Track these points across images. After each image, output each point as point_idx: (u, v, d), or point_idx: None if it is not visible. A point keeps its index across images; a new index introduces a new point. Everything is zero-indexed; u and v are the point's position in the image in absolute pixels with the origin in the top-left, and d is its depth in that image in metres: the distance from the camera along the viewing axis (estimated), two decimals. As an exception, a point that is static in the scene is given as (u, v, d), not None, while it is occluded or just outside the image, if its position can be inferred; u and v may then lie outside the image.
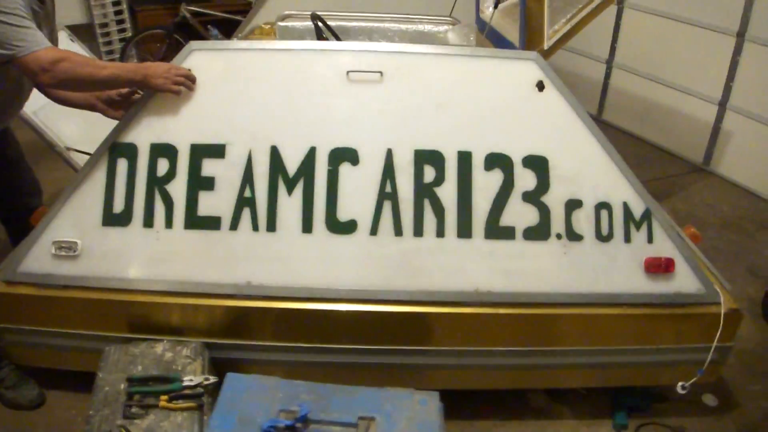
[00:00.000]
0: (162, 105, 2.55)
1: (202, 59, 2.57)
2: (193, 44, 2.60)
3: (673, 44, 5.48)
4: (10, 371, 2.87)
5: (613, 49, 6.07)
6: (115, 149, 2.55)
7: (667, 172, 5.45)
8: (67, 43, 3.83)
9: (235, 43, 2.69)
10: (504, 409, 2.91)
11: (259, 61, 2.60)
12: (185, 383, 2.32)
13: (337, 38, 3.44)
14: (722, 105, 5.22)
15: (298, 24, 3.60)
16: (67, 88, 2.64)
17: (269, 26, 3.80)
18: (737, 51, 5.00)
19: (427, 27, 3.69)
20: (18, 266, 2.58)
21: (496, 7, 3.12)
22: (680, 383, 2.66)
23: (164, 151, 2.54)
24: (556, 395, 3.01)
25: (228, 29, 6.60)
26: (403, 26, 3.66)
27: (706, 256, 2.85)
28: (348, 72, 2.56)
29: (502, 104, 2.60)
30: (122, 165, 2.56)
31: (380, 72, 2.57)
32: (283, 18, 3.70)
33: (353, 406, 1.99)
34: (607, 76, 6.19)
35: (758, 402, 3.08)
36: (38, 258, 2.57)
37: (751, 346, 3.44)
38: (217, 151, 2.53)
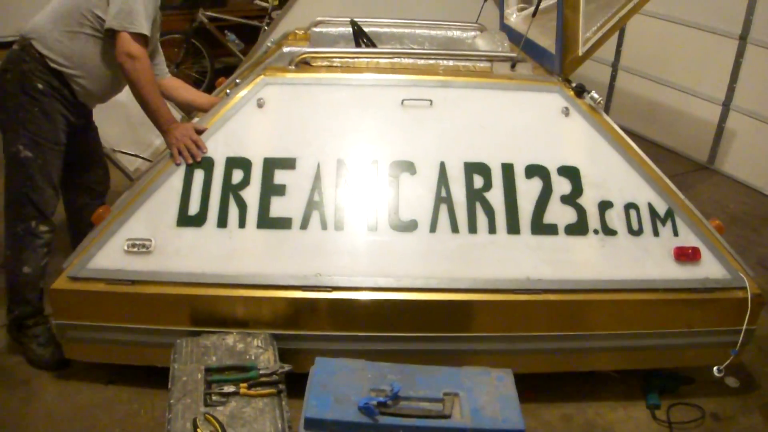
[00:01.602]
0: (236, 126, 2.94)
1: (272, 91, 2.99)
2: (266, 78, 2.98)
3: (677, 47, 5.82)
4: (45, 330, 3.16)
5: (618, 52, 6.40)
6: (192, 162, 2.89)
7: (673, 170, 5.74)
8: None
9: (301, 77, 3.02)
10: (544, 392, 3.18)
11: (323, 92, 3.01)
12: (262, 371, 2.54)
13: (373, 44, 3.73)
14: (726, 105, 5.56)
15: (332, 30, 3.89)
16: (127, 83, 3.04)
17: (303, 32, 4.08)
18: (740, 53, 5.35)
19: (456, 33, 3.99)
20: (87, 263, 2.81)
21: (534, 15, 3.40)
22: (716, 367, 2.91)
23: (239, 163, 2.89)
24: (591, 379, 3.28)
25: (244, 34, 6.86)
26: (433, 32, 3.96)
27: None
28: (403, 100, 2.99)
29: (536, 125, 3.04)
30: (199, 175, 2.88)
31: (430, 100, 3.00)
32: (317, 24, 3.99)
33: (437, 384, 2.26)
34: (613, 78, 6.52)
35: (776, 384, 3.33)
36: (109, 255, 2.81)
37: (766, 332, 3.72)
38: (289, 163, 2.89)
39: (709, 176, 5.72)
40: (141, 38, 2.94)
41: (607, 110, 6.63)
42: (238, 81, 3.40)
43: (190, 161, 2.90)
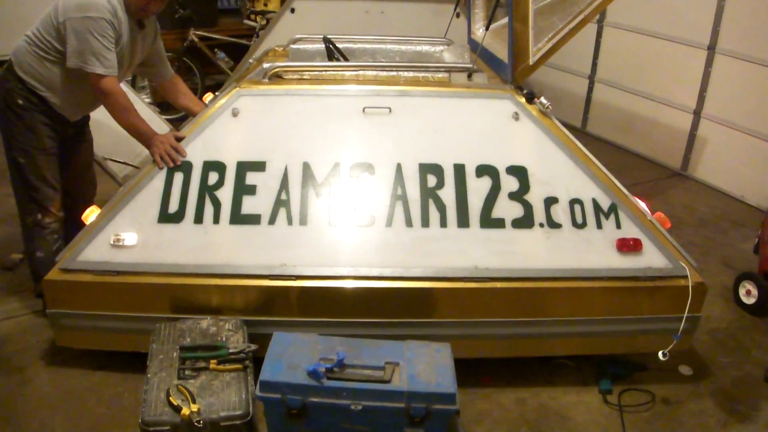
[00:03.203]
0: (213, 133, 3.29)
1: (246, 101, 3.35)
2: (241, 90, 3.35)
3: (650, 59, 6.17)
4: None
5: (594, 65, 6.75)
6: (173, 166, 3.26)
7: (647, 177, 6.11)
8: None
9: (273, 89, 3.40)
10: (502, 378, 3.47)
11: (292, 102, 3.36)
12: (231, 350, 2.89)
13: (345, 59, 4.11)
14: (697, 114, 5.90)
15: (309, 46, 4.26)
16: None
17: (282, 48, 4.47)
18: (708, 63, 5.69)
19: (425, 48, 4.36)
20: (77, 256, 3.16)
21: (487, 28, 3.76)
22: (661, 351, 3.19)
23: (215, 166, 3.25)
24: (548, 367, 3.57)
25: (233, 52, 7.28)
26: (403, 47, 4.34)
27: (686, 251, 3.40)
28: (364, 108, 3.35)
29: (488, 129, 3.39)
30: (178, 177, 3.24)
31: (389, 108, 3.36)
32: (295, 41, 4.38)
33: (380, 355, 2.59)
34: (590, 90, 6.87)
35: (729, 372, 3.64)
36: (97, 249, 3.17)
37: (723, 325, 4.06)
38: (259, 166, 3.24)
39: (682, 182, 6.05)
40: (107, 78, 3.30)
41: (584, 121, 7.01)
42: (217, 94, 3.73)
43: (171, 165, 3.27)
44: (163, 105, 6.49)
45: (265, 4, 7.58)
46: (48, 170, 3.59)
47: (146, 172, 3.28)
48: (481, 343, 3.28)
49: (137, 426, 2.57)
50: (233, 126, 3.34)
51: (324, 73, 3.71)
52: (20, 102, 3.47)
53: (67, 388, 3.35)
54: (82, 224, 3.39)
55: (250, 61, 4.54)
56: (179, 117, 6.41)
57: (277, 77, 3.56)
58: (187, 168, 3.27)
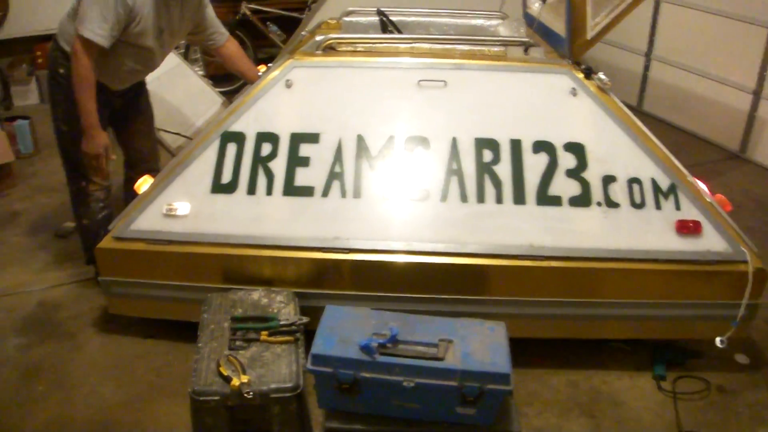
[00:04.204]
0: (266, 104, 3.27)
1: (300, 73, 3.31)
2: (294, 62, 3.31)
3: (708, 36, 5.99)
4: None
5: (651, 42, 6.59)
6: (226, 136, 3.24)
7: (704, 158, 5.95)
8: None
9: (326, 60, 3.35)
10: (554, 359, 3.43)
11: (346, 74, 3.32)
12: (282, 322, 2.88)
13: (399, 31, 4.06)
14: (756, 94, 5.71)
15: (362, 19, 4.23)
16: None
17: (335, 21, 4.42)
18: (770, 41, 5.48)
19: (479, 21, 4.29)
20: (130, 225, 3.19)
21: (544, 1, 3.69)
22: (718, 338, 3.12)
23: (268, 138, 3.23)
24: (601, 350, 3.51)
25: (286, 25, 7.23)
26: (458, 20, 4.28)
27: (746, 234, 3.31)
28: (419, 81, 3.29)
29: (545, 104, 3.31)
30: (231, 148, 3.23)
31: (444, 81, 3.30)
32: (348, 14, 4.33)
33: (433, 331, 2.55)
34: (647, 68, 6.71)
35: (787, 362, 3.51)
36: (150, 218, 3.19)
37: (781, 312, 3.92)
38: (313, 138, 3.22)
39: (740, 165, 5.88)
40: (89, 42, 3.25)
41: (640, 99, 6.86)
42: (270, 66, 3.71)
43: (93, 168, 3.46)
44: (216, 78, 6.50)
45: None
46: None
47: (199, 142, 3.28)
48: (533, 322, 3.23)
49: (186, 395, 2.58)
50: (287, 97, 3.31)
51: (378, 45, 3.66)
52: (62, 71, 3.49)
53: (117, 355, 3.40)
54: (135, 194, 3.42)
55: (303, 33, 4.48)
56: (234, 89, 6.42)
57: (330, 49, 3.52)
58: (240, 139, 3.25)
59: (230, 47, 3.89)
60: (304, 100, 3.32)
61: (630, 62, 6.76)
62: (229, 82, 6.55)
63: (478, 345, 2.50)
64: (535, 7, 4.33)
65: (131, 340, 3.49)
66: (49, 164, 5.54)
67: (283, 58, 3.47)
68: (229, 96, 5.21)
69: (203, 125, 4.75)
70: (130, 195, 3.62)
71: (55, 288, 3.94)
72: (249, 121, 3.27)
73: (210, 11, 3.79)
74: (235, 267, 3.14)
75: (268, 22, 7.18)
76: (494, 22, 4.26)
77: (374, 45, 3.65)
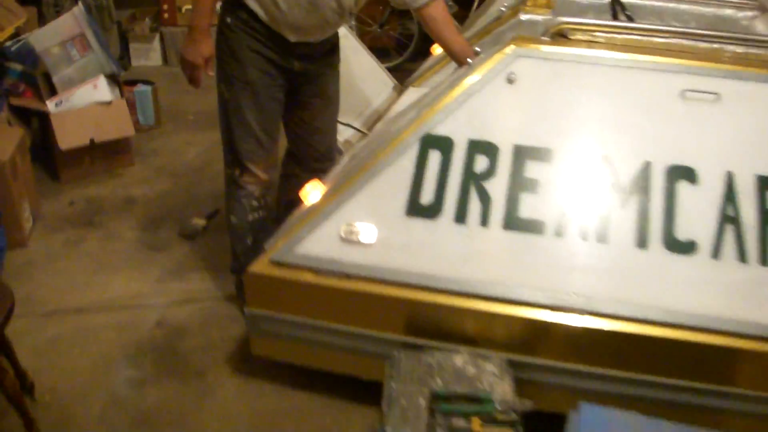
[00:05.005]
0: (482, 103, 2.56)
1: (525, 65, 2.57)
2: (518, 49, 2.56)
3: None
4: None
5: None
6: (428, 140, 2.53)
7: None
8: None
9: (560, 52, 2.60)
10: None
11: (586, 72, 2.57)
12: (498, 405, 2.15)
13: (630, 19, 3.32)
14: None
15: None
16: None
17: None
18: None
19: (728, 12, 3.50)
20: (295, 246, 2.52)
21: None
22: None
23: (484, 148, 2.51)
24: None
25: None
26: (703, 8, 3.50)
27: None
28: (684, 91, 2.49)
29: None
30: (434, 157, 2.52)
31: (716, 93, 2.49)
32: None
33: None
34: None
35: None
36: (323, 241, 2.51)
37: None
38: (543, 154, 2.49)
39: None
40: None
41: None
42: (479, 50, 2.98)
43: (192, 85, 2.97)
44: (382, 52, 5.81)
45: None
46: (252, 112, 2.99)
47: (391, 145, 2.56)
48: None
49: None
50: (509, 96, 2.56)
51: (623, 36, 2.83)
52: (228, 20, 2.93)
53: (258, 409, 2.71)
54: (297, 201, 2.77)
55: (501, 9, 3.77)
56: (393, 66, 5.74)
57: (560, 36, 2.75)
58: (446, 146, 2.52)
59: (437, 8, 3.10)
60: (532, 101, 2.57)
61: None
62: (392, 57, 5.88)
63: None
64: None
65: (277, 390, 2.78)
66: (173, 140, 4.97)
67: (500, 43, 2.70)
68: (398, 75, 4.49)
69: (371, 114, 4.09)
70: (290, 201, 3.03)
71: (179, 305, 3.29)
72: (459, 124, 2.54)
73: None
74: (432, 317, 2.42)
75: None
76: (748, 13, 3.44)
77: (615, 36, 2.83)
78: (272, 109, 3.03)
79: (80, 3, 5.27)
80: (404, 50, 6.62)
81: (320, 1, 2.87)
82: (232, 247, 3.20)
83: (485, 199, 2.46)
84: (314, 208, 2.57)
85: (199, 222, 3.88)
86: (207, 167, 4.65)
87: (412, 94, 3.92)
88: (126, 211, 4.15)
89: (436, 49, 3.97)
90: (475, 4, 6.10)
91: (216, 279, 3.42)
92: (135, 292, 3.39)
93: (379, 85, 4.26)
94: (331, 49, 3.16)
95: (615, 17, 3.26)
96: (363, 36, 6.12)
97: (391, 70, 4.77)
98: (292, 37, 2.94)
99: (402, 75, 4.50)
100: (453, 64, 3.29)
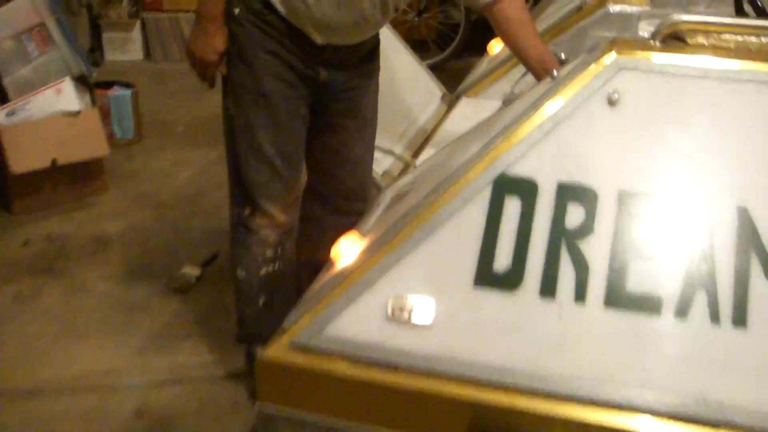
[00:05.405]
0: (574, 133, 2.46)
1: (631, 81, 2.46)
2: (621, 59, 2.45)
3: None
4: None
5: None
6: (502, 184, 2.44)
7: None
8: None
9: (679, 63, 2.48)
10: None
11: (717, 91, 2.45)
12: None
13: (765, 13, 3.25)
14: None
15: None
16: None
17: None
18: None
19: None
20: (325, 327, 2.42)
21: None
22: None
23: (578, 195, 2.41)
24: None
25: None
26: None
27: None
28: None
29: None
30: (512, 206, 2.42)
31: None
32: None
33: None
34: None
35: None
36: (361, 319, 2.42)
37: None
38: (658, 203, 2.39)
39: None
40: None
41: None
42: (564, 57, 2.88)
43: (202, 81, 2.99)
44: (421, 46, 5.82)
45: None
46: (267, 133, 2.99)
47: (452, 189, 2.45)
48: None
49: None
50: (609, 123, 2.45)
51: (762, 39, 2.68)
52: (236, 11, 2.91)
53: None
54: (323, 254, 2.72)
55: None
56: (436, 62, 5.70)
57: (676, 40, 2.64)
58: (529, 191, 2.40)
59: (512, 5, 3.00)
60: (642, 131, 2.45)
61: None
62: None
63: None
64: None
65: None
66: (157, 159, 5.01)
67: (596, 48, 2.60)
68: (449, 82, 4.44)
69: (417, 134, 3.99)
70: (314, 257, 2.96)
71: (165, 386, 3.23)
72: (545, 161, 2.44)
73: None
74: (508, 425, 2.31)
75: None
76: None
77: (755, 38, 2.70)
78: (293, 128, 3.02)
79: (39, -15, 5.23)
80: (447, 44, 6.63)
81: None
82: (238, 309, 3.19)
83: (581, 265, 2.35)
84: (350, 274, 2.48)
85: (192, 271, 3.86)
86: (202, 196, 4.61)
87: (466, 107, 3.89)
88: (97, 255, 4.12)
89: (495, 47, 3.97)
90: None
91: (214, 350, 3.37)
92: (107, 367, 3.34)
93: (424, 95, 4.23)
94: (369, 54, 3.10)
95: (740, 9, 3.11)
96: (396, 26, 6.19)
97: (431, 69, 4.74)
98: (319, 38, 2.91)
99: (445, 77, 4.47)
100: (520, 68, 3.22)
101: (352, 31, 2.92)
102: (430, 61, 6.00)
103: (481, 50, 4.32)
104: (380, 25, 3.00)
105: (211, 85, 3.03)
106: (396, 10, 2.99)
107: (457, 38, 6.42)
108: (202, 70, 2.99)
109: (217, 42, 2.90)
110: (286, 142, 3.02)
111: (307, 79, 2.99)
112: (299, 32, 2.89)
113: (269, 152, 2.98)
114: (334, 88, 3.08)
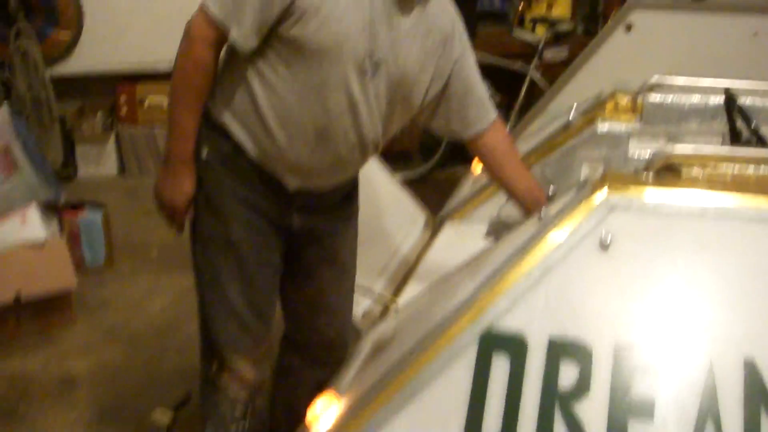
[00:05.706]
0: (564, 284, 2.37)
1: (625, 223, 2.39)
2: (613, 197, 2.38)
3: None
4: None
5: None
6: (489, 340, 2.33)
7: None
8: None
9: (672, 198, 2.42)
10: None
11: (717, 233, 2.38)
12: None
13: (759, 136, 3.13)
14: None
15: (683, 100, 3.59)
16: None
17: (628, 98, 3.71)
18: None
19: None
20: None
21: None
22: None
23: (571, 350, 2.29)
24: None
25: (500, 80, 6.51)
26: None
27: None
28: None
29: None
30: (500, 365, 2.31)
31: None
32: (652, 87, 3.69)
33: None
34: None
35: None
36: None
37: None
38: (659, 359, 2.27)
39: None
40: (205, 17, 2.64)
41: None
42: (552, 188, 2.85)
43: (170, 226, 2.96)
44: (402, 158, 5.79)
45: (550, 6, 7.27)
46: (235, 285, 2.88)
47: (435, 346, 2.34)
48: None
49: None
50: (602, 270, 2.35)
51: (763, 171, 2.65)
52: (203, 153, 2.85)
53: None
54: (299, 408, 2.61)
55: (570, 118, 3.73)
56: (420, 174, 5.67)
57: (670, 172, 2.61)
58: (517, 348, 2.29)
59: (497, 134, 3.01)
60: (636, 277, 2.34)
61: None
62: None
63: None
64: None
65: None
66: (129, 287, 4.90)
67: (587, 185, 2.53)
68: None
69: (399, 267, 3.88)
70: (289, 414, 2.97)
71: None
72: (534, 314, 2.34)
73: (469, 68, 2.97)
74: None
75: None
76: None
77: (754, 169, 2.66)
78: (264, 278, 2.92)
79: (6, 103, 5.20)
80: (431, 155, 6.58)
81: (334, 130, 2.73)
82: None
83: (576, 429, 2.22)
84: (334, 435, 2.36)
85: (163, 417, 3.70)
86: (175, 329, 4.48)
87: (451, 233, 3.81)
88: (62, 398, 3.98)
89: (478, 166, 3.89)
90: (522, 90, 6.10)
91: None
92: None
93: (406, 221, 4.12)
94: (346, 196, 3.01)
95: (735, 135, 3.03)
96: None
97: (415, 181, 4.66)
98: (293, 182, 2.85)
99: (430, 190, 4.36)
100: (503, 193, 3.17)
101: (329, 173, 2.86)
102: (413, 173, 5.95)
103: (466, 159, 4.25)
104: (359, 166, 2.95)
105: (180, 229, 2.99)
106: (376, 148, 2.93)
107: (441, 149, 6.41)
108: (171, 214, 2.93)
109: (186, 185, 2.85)
110: (256, 294, 2.93)
111: (279, 226, 2.93)
112: (271, 177, 2.83)
113: (237, 305, 2.89)
114: (309, 235, 3.02)
